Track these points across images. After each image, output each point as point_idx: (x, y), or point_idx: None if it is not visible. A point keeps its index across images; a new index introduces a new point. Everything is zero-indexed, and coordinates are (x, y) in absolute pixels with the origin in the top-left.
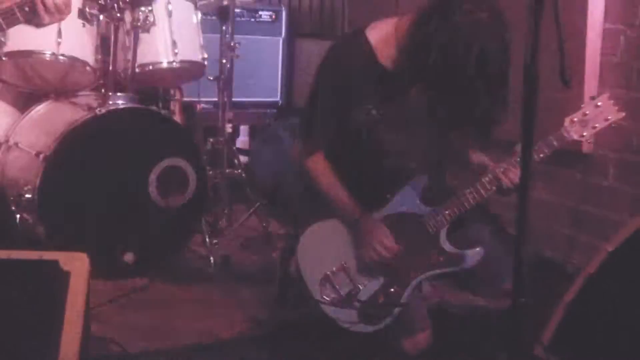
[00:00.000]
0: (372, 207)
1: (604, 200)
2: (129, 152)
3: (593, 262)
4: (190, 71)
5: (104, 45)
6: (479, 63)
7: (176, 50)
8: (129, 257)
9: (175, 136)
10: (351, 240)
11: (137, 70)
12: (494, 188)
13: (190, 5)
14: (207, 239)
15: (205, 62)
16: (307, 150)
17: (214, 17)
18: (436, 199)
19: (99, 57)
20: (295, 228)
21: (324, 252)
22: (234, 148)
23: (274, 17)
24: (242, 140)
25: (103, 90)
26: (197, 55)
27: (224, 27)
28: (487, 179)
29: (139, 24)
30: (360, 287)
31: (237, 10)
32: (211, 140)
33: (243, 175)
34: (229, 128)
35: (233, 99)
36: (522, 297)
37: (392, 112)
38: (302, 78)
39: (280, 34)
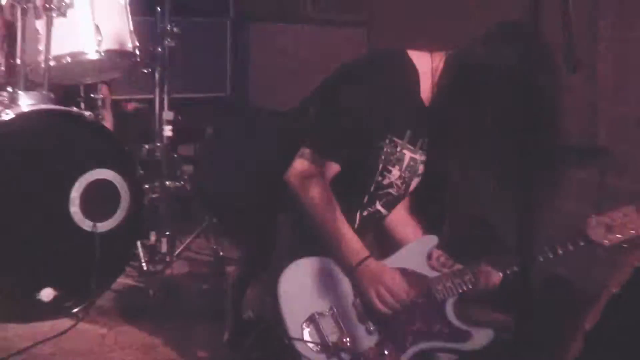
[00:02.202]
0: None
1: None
2: (45, 165)
3: (616, 279)
4: (119, 63)
5: (9, 33)
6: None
7: (100, 38)
8: (47, 293)
9: (102, 143)
10: (344, 284)
11: (51, 63)
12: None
13: None
14: (145, 268)
15: (137, 52)
16: (312, 165)
17: None
18: (446, 261)
19: (4, 48)
20: (250, 252)
21: (311, 291)
22: (176, 156)
23: None
24: (185, 146)
25: (10, 89)
26: (126, 43)
27: (158, 8)
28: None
29: (52, 5)
30: (349, 339)
31: None
32: (147, 146)
33: (188, 188)
34: (168, 131)
35: (172, 96)
36: (528, 325)
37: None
38: (260, 70)
39: (227, 15)
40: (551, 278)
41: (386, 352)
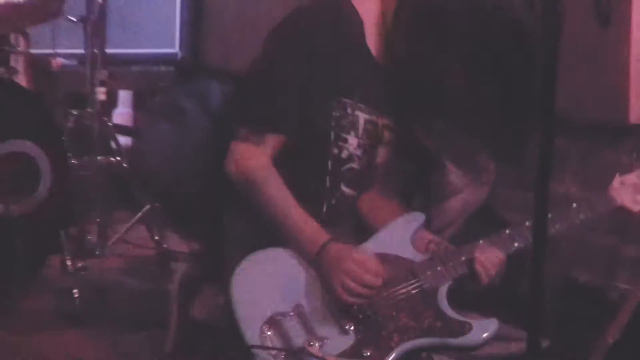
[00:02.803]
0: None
1: None
2: None
3: None
4: (41, 7)
5: None
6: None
7: None
8: None
9: (19, 108)
10: (310, 277)
11: None
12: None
13: None
14: (70, 263)
15: None
16: (251, 145)
17: None
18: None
19: None
20: (201, 246)
21: (270, 289)
22: (111, 125)
23: None
24: (122, 114)
25: None
26: None
27: None
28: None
29: None
30: (319, 342)
31: None
32: (75, 113)
33: (124, 165)
34: (102, 95)
35: (108, 51)
36: (543, 339)
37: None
38: (215, 23)
39: None
40: (571, 286)
41: (366, 355)
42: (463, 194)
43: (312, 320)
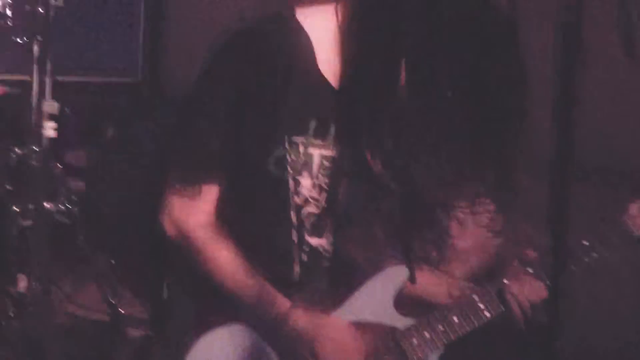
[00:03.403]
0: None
1: None
2: None
3: None
4: None
5: None
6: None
7: None
8: None
9: None
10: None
11: None
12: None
13: None
14: (9, 325)
15: (8, 12)
16: (186, 199)
17: None
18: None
19: None
20: (158, 310)
21: None
22: (60, 166)
23: None
24: (74, 154)
25: None
26: None
27: None
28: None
29: None
30: None
31: None
32: (18, 151)
33: (75, 213)
34: (50, 130)
35: (59, 79)
36: None
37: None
38: (179, 49)
39: None
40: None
41: None
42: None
43: None
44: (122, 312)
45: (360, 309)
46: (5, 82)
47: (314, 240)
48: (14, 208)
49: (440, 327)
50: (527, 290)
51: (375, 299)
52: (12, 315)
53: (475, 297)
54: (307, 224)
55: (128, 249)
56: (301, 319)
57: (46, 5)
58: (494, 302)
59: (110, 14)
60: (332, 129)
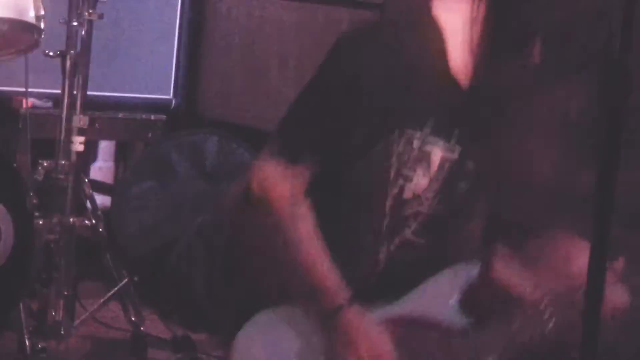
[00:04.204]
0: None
1: None
2: None
3: None
4: (13, 40)
5: None
6: None
7: None
8: None
9: None
10: (318, 348)
11: None
12: None
13: None
14: (28, 343)
15: (42, 25)
16: (282, 166)
17: None
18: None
19: None
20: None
21: (275, 356)
22: (87, 181)
23: None
24: (102, 167)
25: None
26: (27, 11)
27: None
28: None
29: None
30: None
31: None
32: (45, 164)
33: (100, 229)
34: (79, 145)
35: (89, 93)
36: None
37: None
38: (215, 70)
39: None
40: None
41: None
42: None
43: None
44: (145, 332)
45: (418, 304)
46: (36, 94)
47: (415, 239)
48: (38, 221)
49: (499, 333)
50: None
51: (438, 294)
52: (30, 331)
53: (543, 307)
54: (414, 222)
55: (153, 268)
56: (346, 318)
57: (81, 19)
58: (564, 312)
59: (146, 30)
60: (456, 131)
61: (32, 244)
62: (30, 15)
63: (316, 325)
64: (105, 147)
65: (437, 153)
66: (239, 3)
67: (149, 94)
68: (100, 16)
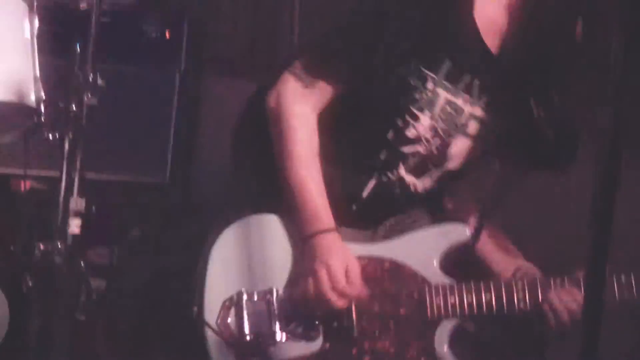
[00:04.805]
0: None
1: None
2: None
3: None
4: (12, 122)
5: None
6: None
7: None
8: None
9: None
10: (293, 261)
11: None
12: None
13: (21, 5)
14: None
15: (42, 108)
16: (300, 85)
17: (61, 30)
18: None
19: None
20: None
21: (247, 263)
22: (82, 263)
23: (167, 34)
24: (98, 252)
25: None
26: (28, 95)
27: (77, 48)
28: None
29: None
30: (280, 338)
31: (103, 19)
32: (42, 246)
33: (94, 312)
34: (75, 227)
35: (87, 176)
36: None
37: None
38: (210, 151)
39: (177, 62)
40: None
41: None
42: None
43: (279, 312)
44: None
45: (401, 250)
46: (34, 177)
47: (408, 177)
48: (35, 304)
49: (469, 299)
50: (566, 297)
51: (422, 248)
52: None
53: (516, 286)
54: (409, 159)
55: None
56: (328, 240)
57: (80, 104)
58: (531, 299)
59: (142, 114)
60: (470, 82)
61: (27, 326)
62: (31, 99)
63: (295, 240)
64: (101, 230)
65: (443, 95)
66: (233, 87)
67: (144, 176)
68: (99, 101)
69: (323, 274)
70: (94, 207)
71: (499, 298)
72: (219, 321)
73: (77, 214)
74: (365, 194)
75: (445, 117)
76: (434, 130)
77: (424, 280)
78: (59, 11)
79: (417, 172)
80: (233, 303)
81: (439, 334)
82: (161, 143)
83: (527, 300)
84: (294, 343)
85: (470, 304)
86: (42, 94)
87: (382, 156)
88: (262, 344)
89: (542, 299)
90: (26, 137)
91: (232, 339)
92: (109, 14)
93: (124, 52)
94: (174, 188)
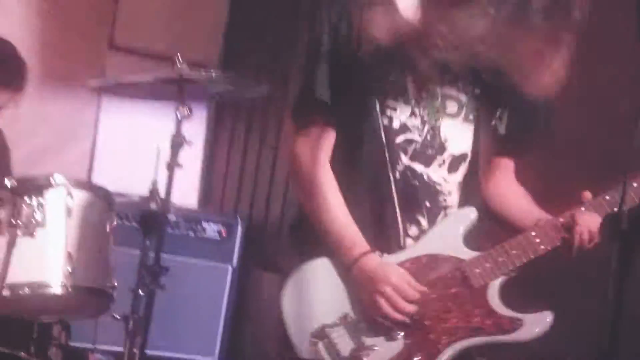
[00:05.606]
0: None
1: None
2: None
3: None
4: (88, 304)
5: None
6: None
7: (69, 269)
8: None
9: None
10: (348, 285)
11: (5, 292)
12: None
13: (101, 204)
14: None
15: (114, 293)
16: (301, 137)
17: (134, 224)
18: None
19: None
20: None
21: (317, 300)
22: None
23: (224, 233)
24: None
25: None
26: (103, 281)
27: (147, 242)
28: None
29: (19, 221)
30: (367, 351)
31: (170, 218)
32: None
33: None
34: None
35: (148, 352)
36: None
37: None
38: (257, 334)
39: (230, 259)
40: None
41: None
42: None
43: (359, 329)
44: None
45: (432, 244)
46: (102, 351)
47: (412, 164)
48: None
49: (500, 259)
50: (588, 220)
51: (447, 235)
52: None
53: (533, 233)
54: (409, 149)
55: None
56: (368, 266)
57: (146, 287)
58: (549, 237)
59: (200, 295)
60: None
61: None
62: (106, 284)
63: (342, 276)
64: None
65: (410, 83)
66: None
67: (199, 354)
68: (163, 287)
69: (390, 291)
70: None
71: (523, 250)
72: (315, 356)
73: None
74: (393, 192)
75: (421, 101)
76: (416, 115)
77: (459, 260)
78: (133, 208)
79: (422, 159)
80: (319, 336)
81: (491, 295)
82: (213, 325)
83: (546, 241)
84: (381, 350)
85: (504, 261)
86: (115, 281)
87: (386, 154)
88: (358, 358)
89: (572, 225)
90: (97, 317)
91: None
92: (175, 213)
93: (188, 246)
94: None
